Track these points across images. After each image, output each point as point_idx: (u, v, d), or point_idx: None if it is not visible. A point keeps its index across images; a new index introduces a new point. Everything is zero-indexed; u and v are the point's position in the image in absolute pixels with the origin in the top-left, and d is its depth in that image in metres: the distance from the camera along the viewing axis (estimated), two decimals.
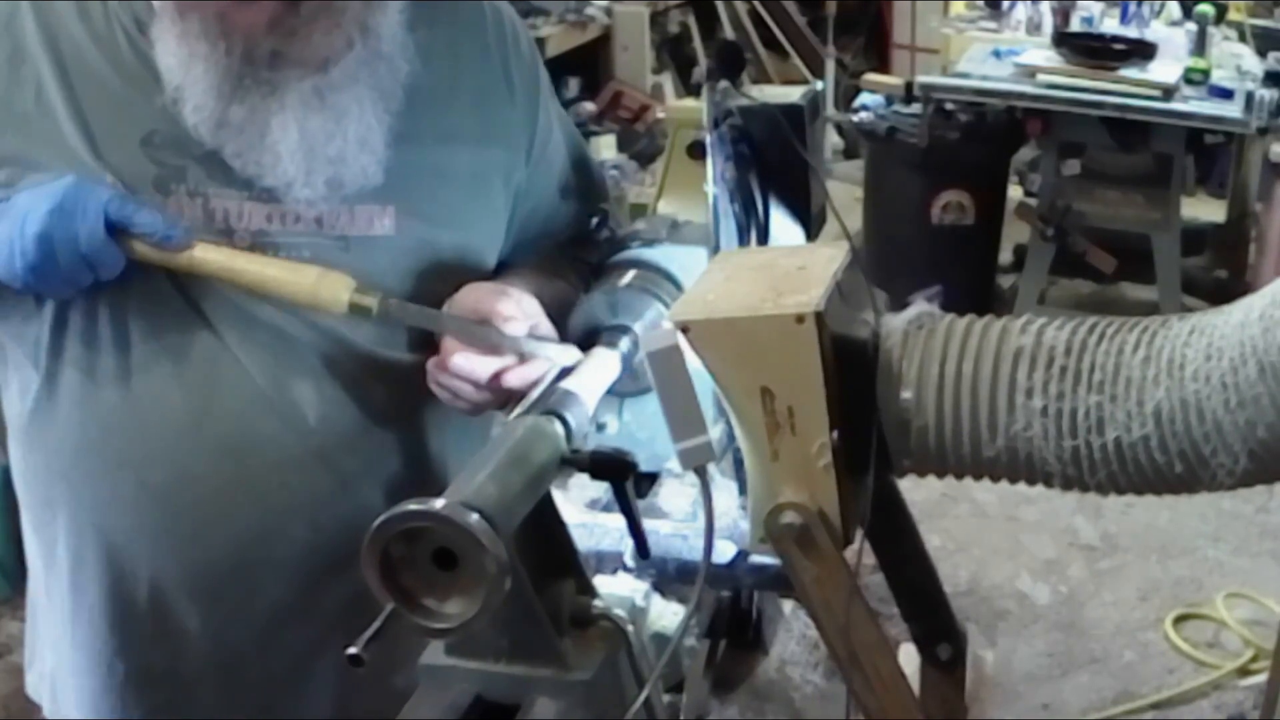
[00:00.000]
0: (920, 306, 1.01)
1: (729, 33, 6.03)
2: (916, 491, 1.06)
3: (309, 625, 1.31)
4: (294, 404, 1.24)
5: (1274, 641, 2.40)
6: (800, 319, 0.94)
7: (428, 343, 1.25)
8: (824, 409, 0.96)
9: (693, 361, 0.97)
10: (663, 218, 1.41)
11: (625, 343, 1.22)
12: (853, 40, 6.72)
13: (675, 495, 1.30)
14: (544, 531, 0.99)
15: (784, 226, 1.39)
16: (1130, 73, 4.04)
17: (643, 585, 1.14)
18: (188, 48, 1.14)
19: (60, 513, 1.31)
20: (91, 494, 1.28)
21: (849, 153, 5.92)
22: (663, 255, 1.32)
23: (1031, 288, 4.42)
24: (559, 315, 1.26)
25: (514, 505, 0.91)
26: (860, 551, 1.02)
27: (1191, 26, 4.33)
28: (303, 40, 1.14)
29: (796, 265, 1.02)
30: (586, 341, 1.23)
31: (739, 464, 1.10)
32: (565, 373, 1.15)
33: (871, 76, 4.90)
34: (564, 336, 1.24)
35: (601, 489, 1.27)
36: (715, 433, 1.04)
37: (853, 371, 0.97)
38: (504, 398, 1.19)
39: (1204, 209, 5.18)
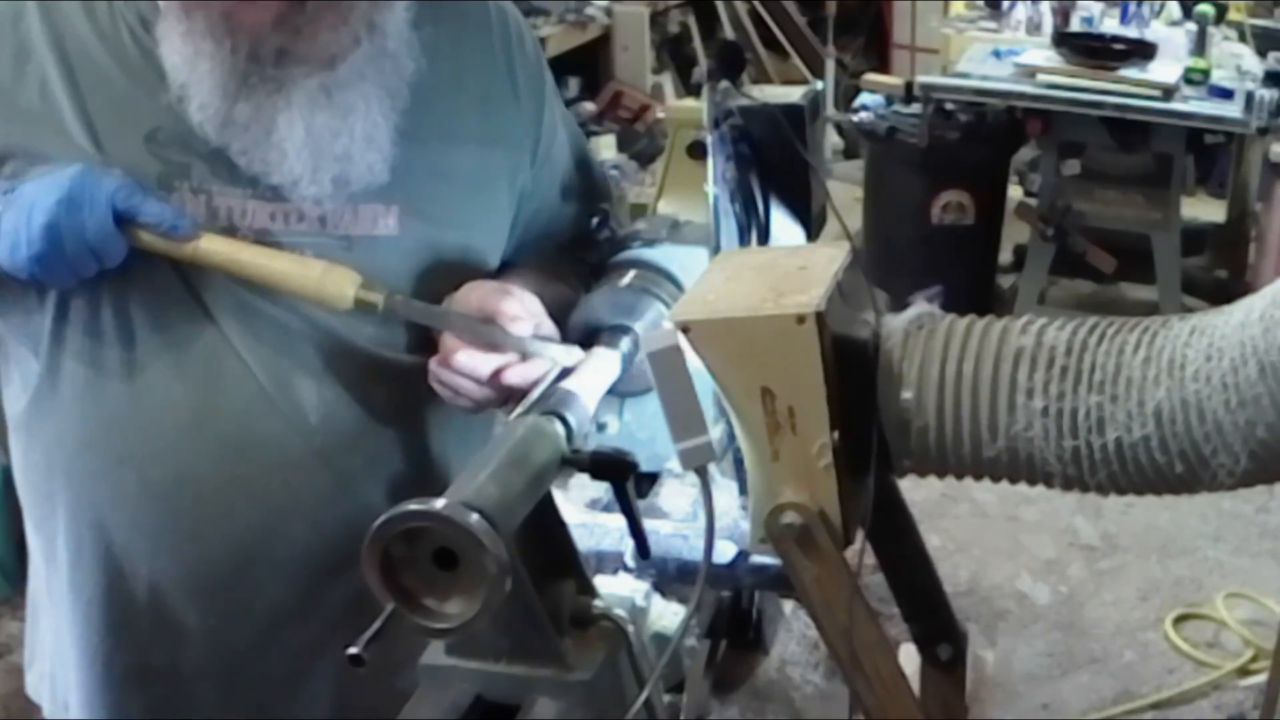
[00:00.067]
0: (921, 307, 1.01)
1: (729, 33, 6.03)
2: (916, 491, 1.06)
3: (309, 625, 1.32)
4: (296, 403, 1.24)
5: (1274, 641, 2.40)
6: (801, 319, 0.94)
7: (428, 343, 1.25)
8: (824, 409, 0.96)
9: (693, 361, 0.97)
10: (663, 218, 1.41)
11: (626, 343, 1.22)
12: (853, 40, 6.72)
13: (676, 495, 1.30)
14: (544, 531, 0.99)
15: (784, 226, 1.39)
16: (1130, 73, 4.04)
17: (643, 585, 1.14)
18: (193, 46, 1.14)
19: (60, 509, 1.31)
20: (92, 490, 1.29)
21: (849, 153, 5.92)
22: (663, 255, 1.32)
23: (1031, 288, 4.42)
24: (560, 315, 1.26)
25: (515, 505, 0.91)
26: (861, 552, 1.02)
27: (1191, 26, 4.33)
28: (309, 38, 1.14)
29: (797, 265, 1.02)
30: (587, 341, 1.23)
31: (739, 464, 1.10)
32: (566, 373, 1.15)
33: (871, 76, 4.90)
34: (565, 336, 1.24)
35: (602, 489, 1.27)
36: (716, 433, 1.04)
37: (853, 372, 0.97)
38: (505, 395, 1.19)
39: (1204, 209, 5.18)
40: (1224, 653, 2.95)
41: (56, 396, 1.26)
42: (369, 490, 1.28)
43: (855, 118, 4.56)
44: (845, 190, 4.88)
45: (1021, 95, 4.15)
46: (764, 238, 1.37)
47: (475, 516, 0.85)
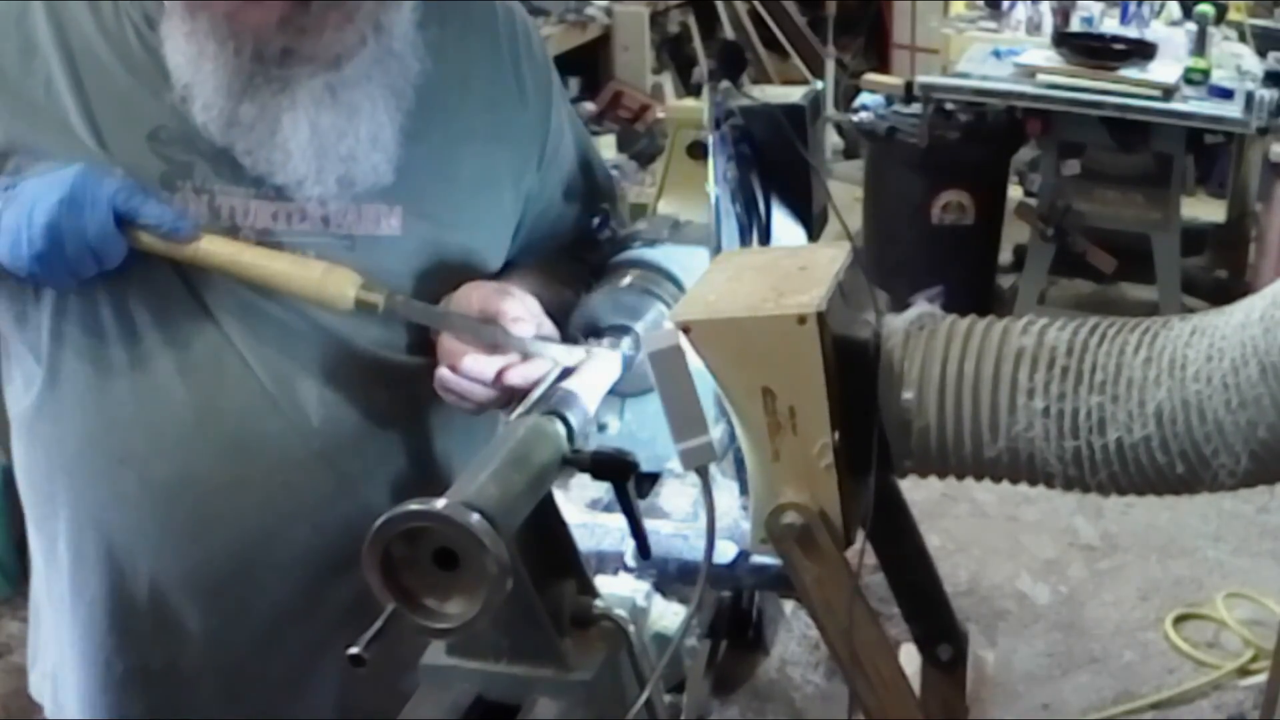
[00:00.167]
0: (921, 307, 1.01)
1: (729, 33, 6.03)
2: (916, 491, 1.06)
3: (310, 625, 1.31)
4: (297, 404, 1.24)
5: (1274, 641, 2.40)
6: (802, 319, 0.94)
7: (430, 344, 1.25)
8: (825, 409, 0.96)
9: (694, 361, 0.97)
10: (664, 218, 1.41)
11: (626, 343, 1.22)
12: (853, 40, 6.72)
13: (676, 495, 1.30)
14: (545, 532, 0.99)
15: (785, 226, 1.39)
16: (1130, 73, 4.04)
17: (644, 585, 1.14)
18: (196, 46, 1.14)
19: (61, 509, 1.31)
20: (93, 491, 1.28)
21: (849, 153, 5.91)
22: (664, 255, 1.32)
23: (1031, 288, 4.42)
24: (560, 315, 1.26)
25: (515, 505, 0.91)
26: (861, 552, 1.02)
27: (1191, 26, 4.33)
28: (314, 38, 1.14)
29: (798, 265, 1.02)
30: (587, 341, 1.23)
31: (740, 464, 1.10)
32: (567, 373, 1.15)
33: (871, 76, 4.90)
34: (565, 337, 1.24)
35: (603, 489, 1.27)
36: (716, 433, 1.04)
37: (854, 372, 0.97)
38: (508, 396, 1.19)
39: (1204, 209, 5.17)
40: (1224, 653, 2.95)
41: (58, 397, 1.26)
42: (370, 491, 1.28)
43: (855, 118, 4.56)
44: (845, 190, 4.88)
45: (1021, 95, 4.15)
46: (765, 238, 1.37)
47: (476, 516, 0.85)
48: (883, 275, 3.92)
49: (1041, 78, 4.13)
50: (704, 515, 0.99)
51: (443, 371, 1.20)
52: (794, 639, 2.88)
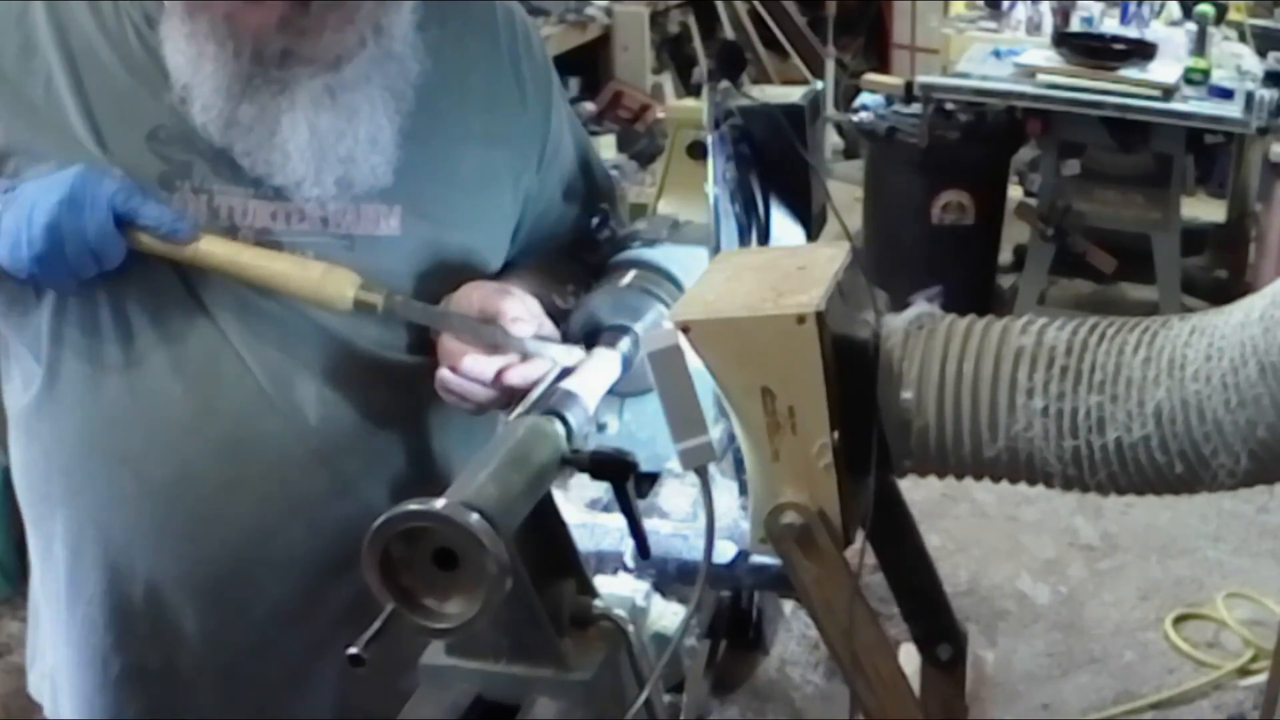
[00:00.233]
0: (921, 307, 1.01)
1: (729, 33, 6.02)
2: (916, 491, 1.06)
3: (308, 625, 1.31)
4: (295, 403, 1.24)
5: (1274, 641, 2.40)
6: (801, 319, 0.94)
7: (429, 344, 1.25)
8: (824, 409, 0.96)
9: (693, 361, 0.97)
10: (663, 218, 1.41)
11: (626, 343, 1.22)
12: (853, 40, 6.72)
13: (676, 495, 1.30)
14: (544, 532, 0.99)
15: (785, 226, 1.39)
16: (1130, 73, 4.04)
17: (643, 585, 1.14)
18: (196, 47, 1.14)
19: (59, 508, 1.31)
20: (90, 490, 1.28)
21: (849, 153, 5.91)
22: (663, 255, 1.32)
23: (1031, 288, 4.42)
24: (560, 315, 1.26)
25: (514, 505, 0.91)
26: (861, 552, 1.02)
27: (1191, 26, 4.33)
28: (313, 39, 1.14)
29: (797, 265, 1.02)
30: (587, 341, 1.23)
31: (739, 464, 1.10)
32: (566, 373, 1.15)
33: (871, 76, 4.90)
34: (565, 337, 1.24)
35: (602, 489, 1.27)
36: (716, 433, 1.04)
37: (853, 372, 0.97)
38: (508, 396, 1.19)
39: (1204, 209, 5.17)
40: (1224, 653, 2.95)
41: (56, 396, 1.26)
42: (368, 490, 1.28)
43: (855, 118, 4.56)
44: (845, 190, 4.88)
45: (1021, 95, 4.15)
46: (764, 238, 1.37)
47: (475, 516, 0.85)
48: (883, 275, 3.89)
49: (1041, 78, 4.13)
50: (703, 515, 0.99)
51: (443, 372, 1.20)
52: (794, 639, 2.88)
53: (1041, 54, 4.26)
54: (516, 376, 1.18)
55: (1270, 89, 4.03)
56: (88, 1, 1.19)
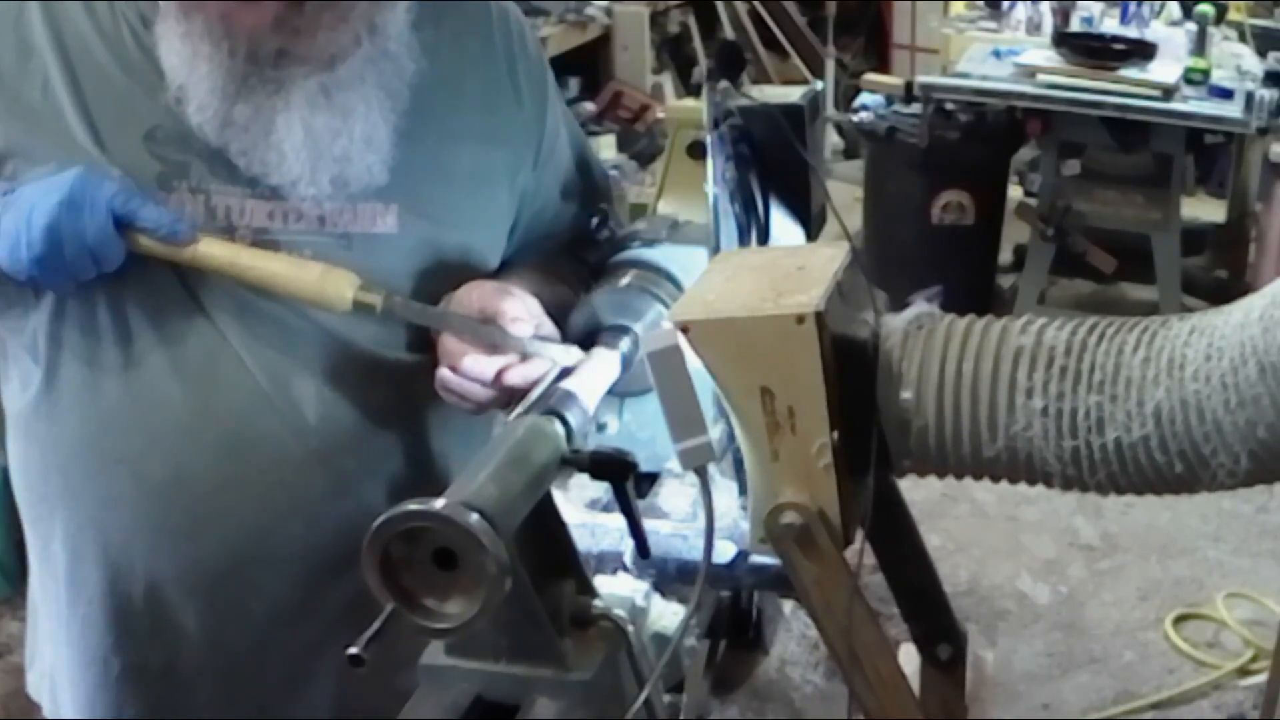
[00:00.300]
0: (920, 306, 1.01)
1: (729, 33, 6.03)
2: (916, 491, 1.06)
3: (308, 625, 1.31)
4: (294, 403, 1.24)
5: (1274, 641, 2.40)
6: (800, 319, 0.94)
7: (428, 343, 1.25)
8: (824, 409, 0.96)
9: (693, 361, 0.97)
10: (663, 218, 1.41)
11: (625, 343, 1.22)
12: (853, 40, 6.72)
13: (675, 495, 1.30)
14: (544, 532, 0.99)
15: (784, 226, 1.39)
16: (1130, 73, 4.04)
17: (643, 585, 1.14)
18: (191, 47, 1.14)
19: (58, 509, 1.31)
20: (89, 490, 1.28)
21: (849, 153, 5.92)
22: (663, 255, 1.32)
23: (1031, 288, 4.42)
24: (559, 315, 1.26)
25: (514, 505, 0.91)
26: (861, 552, 1.02)
27: (1191, 26, 4.33)
28: (308, 39, 1.14)
29: (796, 265, 1.02)
30: (587, 341, 1.23)
31: (739, 464, 1.10)
32: (565, 373, 1.15)
33: (871, 76, 4.90)
34: (564, 337, 1.24)
35: (602, 489, 1.27)
36: (715, 433, 1.04)
37: (853, 372, 0.97)
38: (508, 396, 1.19)
39: (1204, 209, 5.18)
40: (1224, 653, 2.95)
41: (54, 396, 1.26)
42: (367, 490, 1.28)
43: (855, 118, 4.56)
44: (845, 190, 4.88)
45: (1021, 95, 4.16)
46: (764, 238, 1.37)
47: (475, 516, 0.85)
48: (882, 275, 3.89)
49: (1041, 78, 4.13)
50: (703, 515, 0.99)
51: (443, 372, 1.20)
52: (793, 639, 2.88)
53: (1041, 54, 4.26)
54: (516, 376, 1.18)
55: (1270, 89, 4.03)
56: (83, 2, 1.19)
